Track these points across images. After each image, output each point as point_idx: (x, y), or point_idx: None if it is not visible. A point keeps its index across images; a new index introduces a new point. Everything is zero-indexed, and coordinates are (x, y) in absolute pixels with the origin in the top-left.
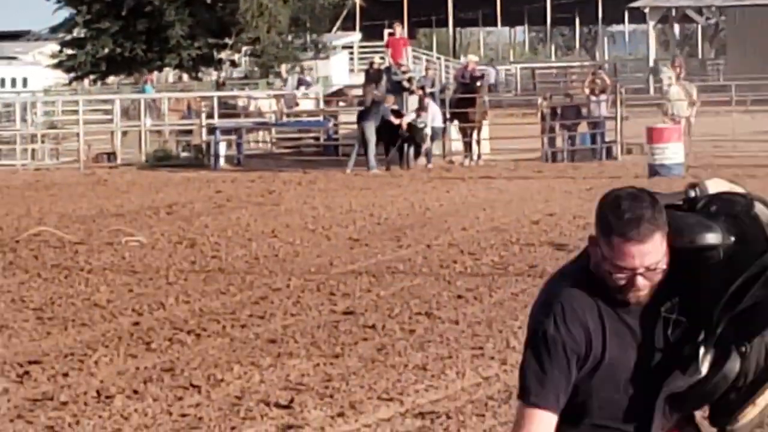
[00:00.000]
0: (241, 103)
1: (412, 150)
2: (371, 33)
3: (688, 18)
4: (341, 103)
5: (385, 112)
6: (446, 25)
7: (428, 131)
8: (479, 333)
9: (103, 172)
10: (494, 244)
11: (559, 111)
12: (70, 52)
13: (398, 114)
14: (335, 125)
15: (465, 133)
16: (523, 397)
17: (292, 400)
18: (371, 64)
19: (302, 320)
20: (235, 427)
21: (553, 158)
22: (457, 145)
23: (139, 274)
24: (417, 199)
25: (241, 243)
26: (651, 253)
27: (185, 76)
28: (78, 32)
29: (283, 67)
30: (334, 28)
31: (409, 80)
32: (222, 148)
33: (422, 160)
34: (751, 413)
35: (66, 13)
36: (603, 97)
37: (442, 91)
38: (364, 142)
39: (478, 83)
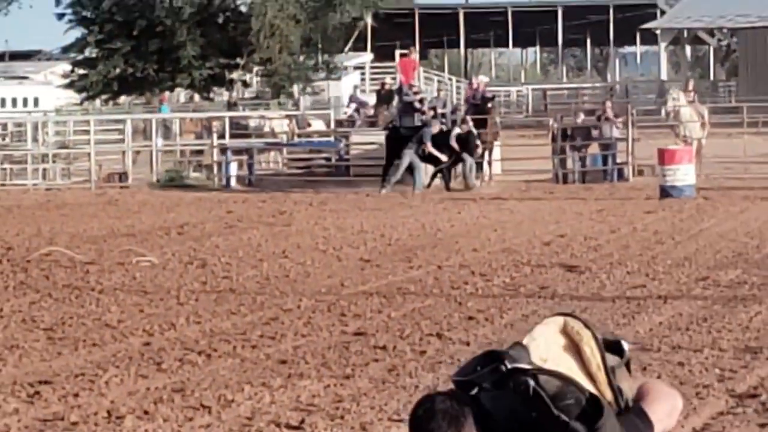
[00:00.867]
0: (252, 123)
1: (466, 167)
2: (383, 53)
3: (699, 40)
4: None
5: (426, 137)
6: (458, 45)
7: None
8: None
9: (114, 192)
10: (505, 265)
11: (569, 132)
12: (81, 72)
13: (444, 135)
14: (347, 146)
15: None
16: None
17: (302, 421)
18: (383, 84)
19: (313, 341)
20: None
21: (564, 179)
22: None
23: (150, 295)
24: (428, 220)
25: (252, 263)
26: None
27: (197, 96)
28: (90, 52)
29: (295, 88)
30: (346, 49)
31: (421, 101)
32: (233, 169)
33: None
34: None
35: (78, 33)
36: (615, 118)
37: (454, 111)
38: (409, 167)
39: (490, 104)
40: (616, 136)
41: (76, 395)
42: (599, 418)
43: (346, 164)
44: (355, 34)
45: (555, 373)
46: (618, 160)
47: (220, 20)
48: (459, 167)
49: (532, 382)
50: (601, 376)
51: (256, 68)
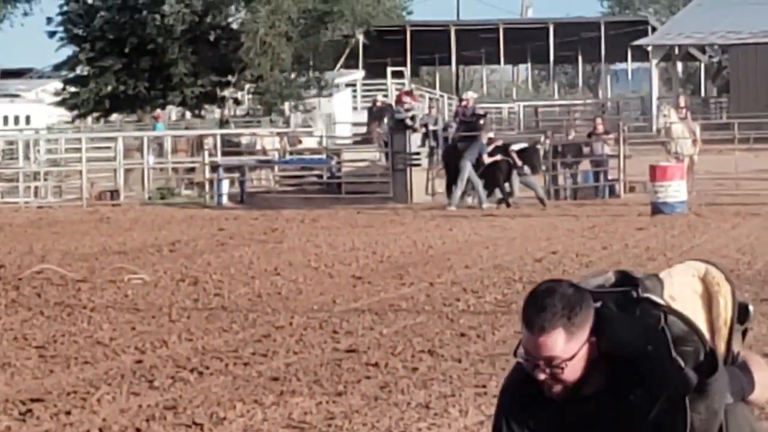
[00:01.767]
0: (244, 140)
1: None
2: (374, 71)
3: (691, 56)
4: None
5: (482, 149)
6: (449, 63)
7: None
8: (482, 371)
9: (106, 209)
10: (497, 282)
11: (560, 149)
12: (73, 89)
13: (502, 148)
14: (338, 163)
15: None
16: None
17: None
18: (374, 101)
19: (305, 358)
20: None
21: (556, 196)
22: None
23: (142, 312)
24: (419, 237)
25: (243, 281)
26: (548, 348)
27: (188, 114)
28: (81, 70)
29: (286, 105)
30: (337, 66)
31: (412, 118)
32: (225, 186)
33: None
34: None
35: (69, 50)
36: (606, 135)
37: (445, 129)
38: (468, 181)
39: (481, 121)
40: (608, 153)
41: (68, 413)
42: (713, 374)
43: (338, 181)
44: (347, 51)
45: (684, 316)
46: (609, 177)
47: (212, 38)
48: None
49: (662, 318)
50: (725, 332)
51: (247, 86)
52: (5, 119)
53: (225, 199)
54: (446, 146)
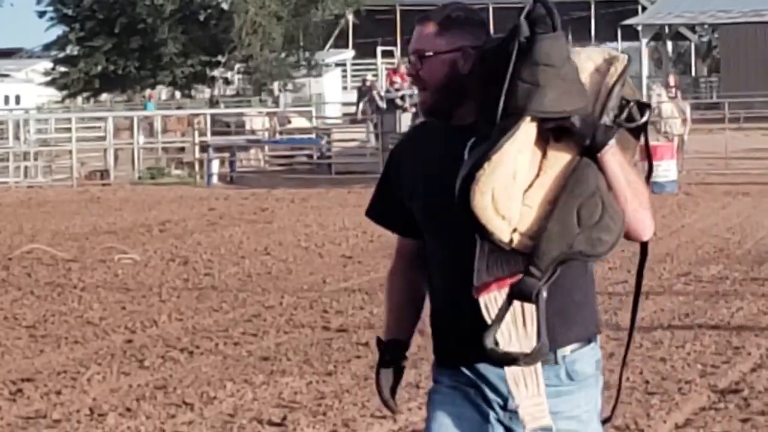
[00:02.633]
0: (234, 120)
1: None
2: (364, 50)
3: (681, 36)
4: None
5: None
6: None
7: None
8: None
9: (96, 189)
10: None
11: None
12: (63, 69)
13: None
14: (328, 143)
15: None
16: None
17: (284, 418)
18: (364, 81)
19: (295, 338)
20: None
21: None
22: None
23: (132, 292)
24: None
25: (233, 260)
26: (419, 39)
27: (178, 94)
28: (71, 50)
29: (276, 85)
30: (327, 46)
31: (402, 98)
32: (215, 166)
33: None
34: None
35: (59, 30)
36: None
37: None
38: None
39: None
40: None
41: (58, 393)
42: (546, 30)
43: (328, 161)
44: (337, 31)
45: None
46: None
47: (202, 17)
48: None
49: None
50: (603, 95)
51: (237, 65)
52: None
53: (215, 179)
54: None
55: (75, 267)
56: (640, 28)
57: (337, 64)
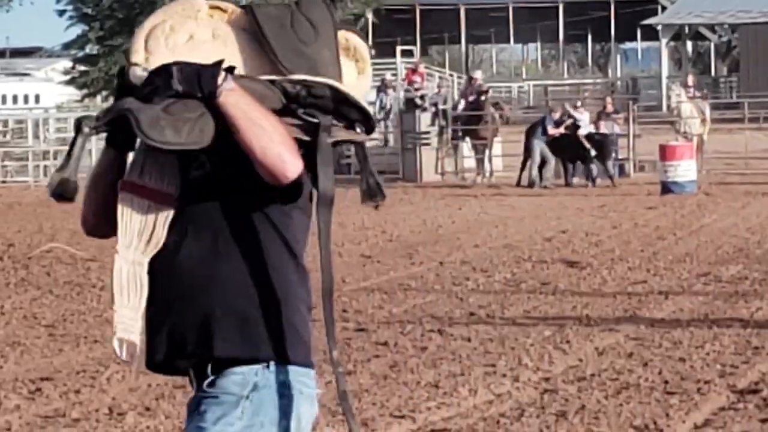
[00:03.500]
0: None
1: (596, 166)
2: (384, 50)
3: (700, 35)
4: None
5: (549, 123)
6: (459, 42)
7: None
8: (491, 350)
9: None
10: (506, 261)
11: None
12: (82, 68)
13: (573, 125)
14: None
15: (477, 150)
16: None
17: None
18: (383, 80)
19: (314, 337)
20: None
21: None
22: (470, 162)
23: None
24: (429, 216)
25: None
26: None
27: None
28: (91, 49)
29: None
30: None
31: (422, 97)
32: None
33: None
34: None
35: (78, 29)
36: (615, 115)
37: (454, 108)
38: (534, 158)
39: (483, 98)
40: (617, 133)
41: (77, 392)
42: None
43: (347, 161)
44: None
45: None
46: (619, 156)
47: None
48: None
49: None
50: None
51: None
52: (15, 98)
53: None
54: (529, 127)
55: (94, 266)
56: (659, 28)
57: None
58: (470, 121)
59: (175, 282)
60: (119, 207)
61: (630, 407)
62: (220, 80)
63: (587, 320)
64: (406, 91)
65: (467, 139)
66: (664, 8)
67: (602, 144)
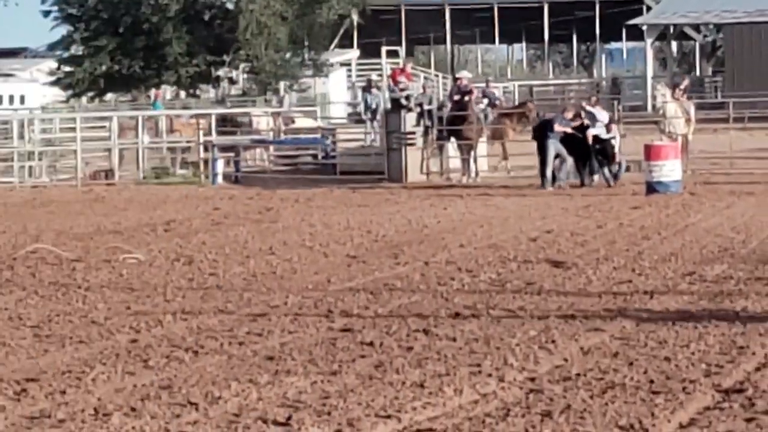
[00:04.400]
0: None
1: (605, 168)
2: (369, 50)
3: (685, 35)
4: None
5: (560, 122)
6: (444, 42)
7: (617, 145)
8: (477, 350)
9: (100, 189)
10: (492, 261)
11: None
12: (67, 69)
13: (581, 126)
14: (333, 143)
15: (462, 151)
16: None
17: (289, 418)
18: (369, 81)
19: (300, 337)
20: None
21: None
22: (455, 162)
23: (137, 292)
24: (414, 216)
25: (238, 260)
26: None
27: (183, 94)
28: (76, 49)
29: (281, 85)
30: (332, 46)
31: (407, 98)
32: (220, 166)
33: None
34: None
35: (63, 30)
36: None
37: (440, 108)
38: (545, 159)
39: (466, 98)
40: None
41: (63, 392)
42: None
43: (333, 161)
44: (342, 30)
45: None
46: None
47: (207, 17)
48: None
49: None
50: None
51: (242, 65)
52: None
53: (220, 179)
54: (537, 123)
55: (79, 267)
56: (644, 27)
57: (342, 64)
58: (455, 122)
59: None
60: None
61: (615, 407)
62: None
63: (572, 320)
64: (391, 91)
65: (452, 139)
66: (649, 8)
67: (605, 149)
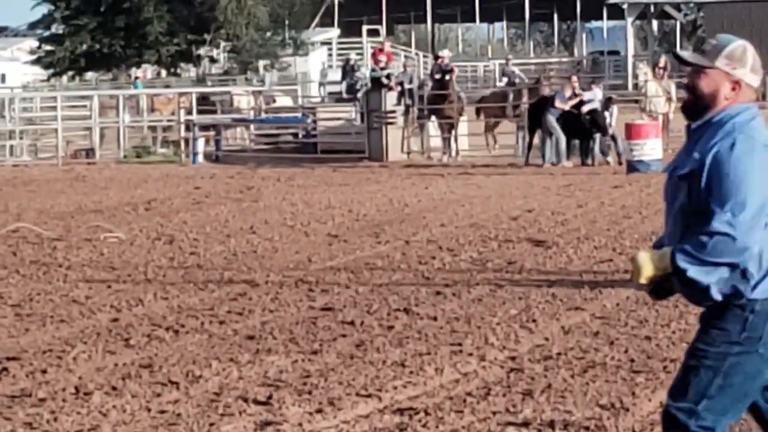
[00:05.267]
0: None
1: (597, 145)
2: (350, 29)
3: (666, 14)
4: None
5: (561, 99)
6: (425, 21)
7: (612, 122)
8: (458, 329)
9: (81, 168)
10: (473, 240)
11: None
12: (48, 48)
13: (579, 103)
14: (314, 121)
15: (443, 130)
16: None
17: (270, 397)
18: (347, 60)
19: (281, 316)
20: (214, 423)
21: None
22: (436, 141)
23: (118, 271)
24: (395, 195)
25: (219, 239)
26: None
27: (164, 72)
28: (56, 28)
29: (261, 64)
30: (313, 25)
31: (388, 76)
32: (200, 145)
33: (599, 155)
34: None
35: (44, 9)
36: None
37: (420, 87)
38: (550, 134)
39: (447, 77)
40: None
41: (43, 371)
42: None
43: (314, 140)
44: (322, 9)
45: None
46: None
47: None
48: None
49: None
50: None
51: (223, 44)
52: None
53: (200, 158)
54: (532, 104)
55: (60, 246)
56: (625, 6)
57: (322, 43)
58: (436, 101)
59: None
60: None
61: (596, 386)
62: None
63: (553, 299)
64: (372, 70)
65: (433, 118)
66: None
67: (595, 119)
